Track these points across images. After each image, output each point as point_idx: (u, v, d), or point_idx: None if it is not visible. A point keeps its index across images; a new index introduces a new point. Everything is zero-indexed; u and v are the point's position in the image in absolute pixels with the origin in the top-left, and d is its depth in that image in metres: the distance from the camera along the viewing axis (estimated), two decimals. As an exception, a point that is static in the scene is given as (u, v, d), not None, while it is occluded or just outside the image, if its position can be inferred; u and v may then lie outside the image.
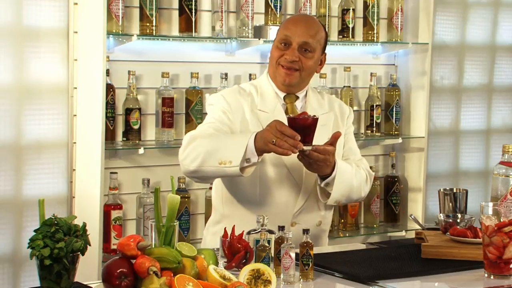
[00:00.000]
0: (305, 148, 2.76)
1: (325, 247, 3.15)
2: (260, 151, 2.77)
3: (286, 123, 2.79)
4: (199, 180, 3.00)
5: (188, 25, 3.90)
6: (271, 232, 2.51)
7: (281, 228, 2.53)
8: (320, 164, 2.87)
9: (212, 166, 2.83)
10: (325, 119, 3.10)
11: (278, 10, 4.10)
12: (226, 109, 3.04)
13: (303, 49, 3.02)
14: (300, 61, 3.02)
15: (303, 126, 2.77)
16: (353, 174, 3.02)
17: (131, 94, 3.84)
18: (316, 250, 2.56)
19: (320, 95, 3.22)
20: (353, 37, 4.36)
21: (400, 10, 4.48)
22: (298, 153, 2.81)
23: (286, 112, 3.06)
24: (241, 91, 3.11)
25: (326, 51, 3.13)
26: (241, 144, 2.78)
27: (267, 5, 4.12)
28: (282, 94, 3.10)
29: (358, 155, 3.19)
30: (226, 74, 3.99)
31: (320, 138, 2.97)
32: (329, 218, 3.18)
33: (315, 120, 2.79)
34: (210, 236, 3.15)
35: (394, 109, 4.53)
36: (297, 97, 3.11)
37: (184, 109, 3.99)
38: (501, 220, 2.54)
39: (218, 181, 3.11)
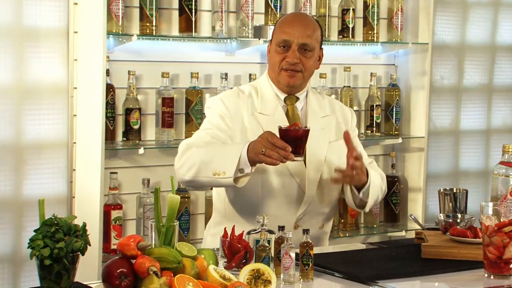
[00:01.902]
0: (296, 159, 2.75)
1: (325, 247, 3.15)
2: (252, 162, 2.77)
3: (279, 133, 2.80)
4: (195, 189, 3.00)
5: (188, 25, 3.90)
6: (271, 232, 2.51)
7: (281, 228, 2.53)
8: (359, 172, 2.89)
9: (206, 176, 2.83)
10: (326, 123, 3.10)
11: (278, 10, 4.10)
12: (225, 113, 3.03)
13: (302, 49, 3.02)
14: (301, 62, 3.02)
15: (295, 137, 2.76)
16: (378, 178, 3.05)
17: (131, 94, 3.84)
18: (316, 250, 2.56)
19: (321, 96, 3.22)
20: (353, 37, 4.36)
21: (400, 10, 4.48)
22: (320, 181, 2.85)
23: (287, 114, 3.06)
24: (240, 94, 3.10)
25: (322, 47, 3.14)
26: (234, 155, 2.77)
27: (267, 5, 4.12)
28: (282, 96, 3.09)
29: (367, 158, 3.19)
30: (226, 74, 3.99)
31: (321, 142, 2.98)
32: (331, 221, 3.19)
33: (306, 132, 2.79)
34: (210, 237, 3.15)
35: (394, 109, 4.53)
36: (298, 99, 3.10)
37: (184, 109, 3.99)
38: (501, 220, 2.54)
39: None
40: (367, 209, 3.06)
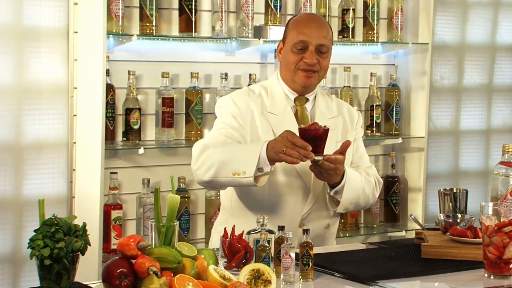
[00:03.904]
0: (316, 158, 2.78)
1: (325, 247, 3.15)
2: (271, 161, 2.80)
3: (296, 128, 2.82)
4: (213, 189, 3.01)
5: (188, 25, 3.90)
6: (271, 232, 2.52)
7: (281, 228, 2.53)
8: (331, 173, 2.90)
9: (226, 176, 2.85)
10: (334, 124, 3.11)
11: (278, 10, 4.10)
12: (236, 113, 3.04)
13: (318, 51, 3.04)
14: (318, 63, 3.04)
15: (314, 136, 2.79)
16: (362, 182, 3.05)
17: (131, 94, 3.84)
18: (319, 249, 2.56)
19: (329, 98, 3.23)
20: (353, 37, 4.36)
21: (400, 10, 4.48)
22: (310, 163, 2.85)
23: (296, 115, 3.07)
24: (250, 93, 3.11)
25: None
26: (254, 154, 2.79)
27: (267, 5, 4.12)
28: (292, 96, 3.10)
29: (368, 162, 3.21)
30: (226, 74, 3.99)
31: (328, 142, 2.98)
32: (337, 222, 3.20)
33: (326, 131, 2.81)
34: (217, 234, 3.15)
35: (394, 109, 4.53)
36: (307, 100, 3.11)
37: (184, 109, 3.99)
38: (501, 220, 2.54)
39: None
40: (339, 209, 3.03)
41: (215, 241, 3.14)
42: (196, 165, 2.92)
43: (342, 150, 2.91)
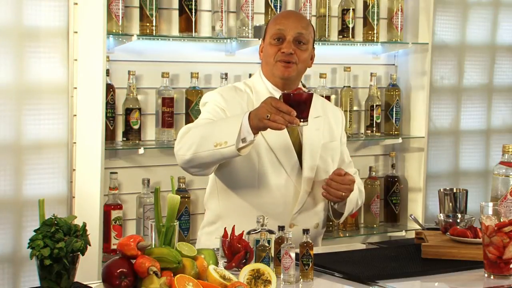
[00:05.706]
0: (301, 124, 2.69)
1: (326, 247, 3.16)
2: (255, 129, 2.70)
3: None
4: (196, 170, 2.90)
5: (188, 25, 3.90)
6: (271, 232, 2.52)
7: (281, 228, 2.53)
8: (347, 193, 2.97)
9: (207, 150, 2.75)
10: (318, 124, 3.11)
11: (278, 10, 4.10)
12: (223, 106, 3.02)
13: (297, 42, 3.03)
14: (295, 54, 3.02)
15: (298, 101, 2.69)
16: (357, 192, 3.11)
17: (131, 94, 3.84)
18: (316, 250, 2.56)
19: (315, 95, 3.23)
20: (353, 37, 4.36)
21: (400, 10, 4.48)
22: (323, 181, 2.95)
23: None
24: (237, 90, 3.11)
25: (317, 47, 3.16)
26: (236, 124, 2.71)
27: (267, 5, 4.12)
28: (277, 94, 3.09)
29: (354, 168, 3.25)
30: (226, 74, 3.99)
31: (315, 142, 3.00)
32: (325, 221, 3.21)
33: (310, 95, 2.73)
34: (205, 236, 3.15)
35: (394, 109, 4.53)
36: None
37: (184, 109, 3.99)
38: (501, 220, 2.54)
39: (213, 184, 3.10)
40: (341, 220, 3.15)
41: (203, 242, 3.13)
42: (178, 146, 2.85)
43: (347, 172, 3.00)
